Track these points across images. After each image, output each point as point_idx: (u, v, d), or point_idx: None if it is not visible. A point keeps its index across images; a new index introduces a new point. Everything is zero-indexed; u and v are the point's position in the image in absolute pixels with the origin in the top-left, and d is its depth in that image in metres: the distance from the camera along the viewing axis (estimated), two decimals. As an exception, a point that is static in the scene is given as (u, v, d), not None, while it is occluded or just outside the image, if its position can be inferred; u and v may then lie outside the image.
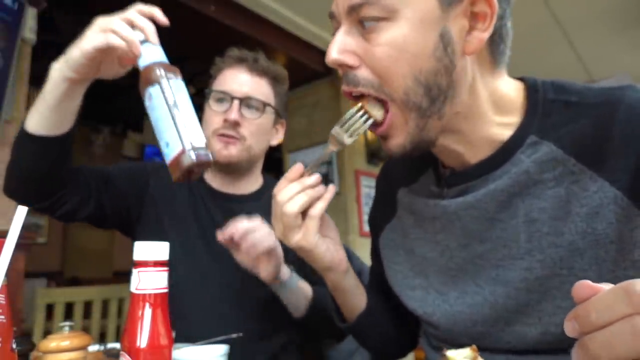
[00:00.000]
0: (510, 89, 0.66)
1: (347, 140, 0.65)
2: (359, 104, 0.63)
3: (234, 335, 0.84)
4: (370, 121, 0.63)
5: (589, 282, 0.35)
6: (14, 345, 0.51)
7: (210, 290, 1.03)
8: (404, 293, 0.75)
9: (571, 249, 0.57)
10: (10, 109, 1.75)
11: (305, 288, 1.00)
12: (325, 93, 3.42)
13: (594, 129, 0.58)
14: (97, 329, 2.60)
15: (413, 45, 0.56)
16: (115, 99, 3.79)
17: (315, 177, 0.69)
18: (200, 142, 0.64)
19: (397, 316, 0.84)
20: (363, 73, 0.59)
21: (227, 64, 1.12)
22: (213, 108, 1.08)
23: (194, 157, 0.62)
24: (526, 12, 2.83)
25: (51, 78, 0.77)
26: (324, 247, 0.71)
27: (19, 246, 0.49)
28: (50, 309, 2.40)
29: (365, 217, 3.20)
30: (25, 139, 0.82)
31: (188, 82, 0.76)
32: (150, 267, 0.48)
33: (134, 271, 0.48)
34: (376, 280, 0.86)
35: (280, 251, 0.90)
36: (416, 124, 0.60)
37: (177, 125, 0.64)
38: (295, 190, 0.67)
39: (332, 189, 0.70)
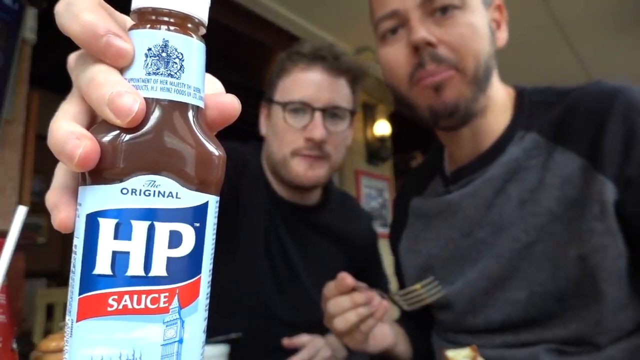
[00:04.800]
0: (504, 91, 0.76)
1: (407, 308, 0.70)
2: (428, 279, 0.71)
3: (234, 335, 0.84)
4: (435, 297, 0.70)
5: None
6: (15, 345, 0.52)
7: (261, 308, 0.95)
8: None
9: (549, 216, 0.65)
10: (10, 109, 1.75)
11: None
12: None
13: (565, 110, 0.68)
14: (97, 329, 2.60)
15: (481, 28, 0.68)
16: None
17: (366, 297, 0.67)
18: None
19: (426, 330, 0.86)
20: (442, 51, 0.67)
21: (297, 64, 0.92)
22: (289, 122, 0.89)
23: None
24: (525, 13, 2.83)
25: None
26: (372, 345, 0.73)
27: (19, 246, 0.49)
28: (50, 309, 2.40)
29: (365, 218, 3.19)
30: None
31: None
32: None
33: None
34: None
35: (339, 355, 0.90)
36: (473, 94, 0.69)
37: None
38: (345, 306, 0.67)
39: (384, 306, 0.68)
